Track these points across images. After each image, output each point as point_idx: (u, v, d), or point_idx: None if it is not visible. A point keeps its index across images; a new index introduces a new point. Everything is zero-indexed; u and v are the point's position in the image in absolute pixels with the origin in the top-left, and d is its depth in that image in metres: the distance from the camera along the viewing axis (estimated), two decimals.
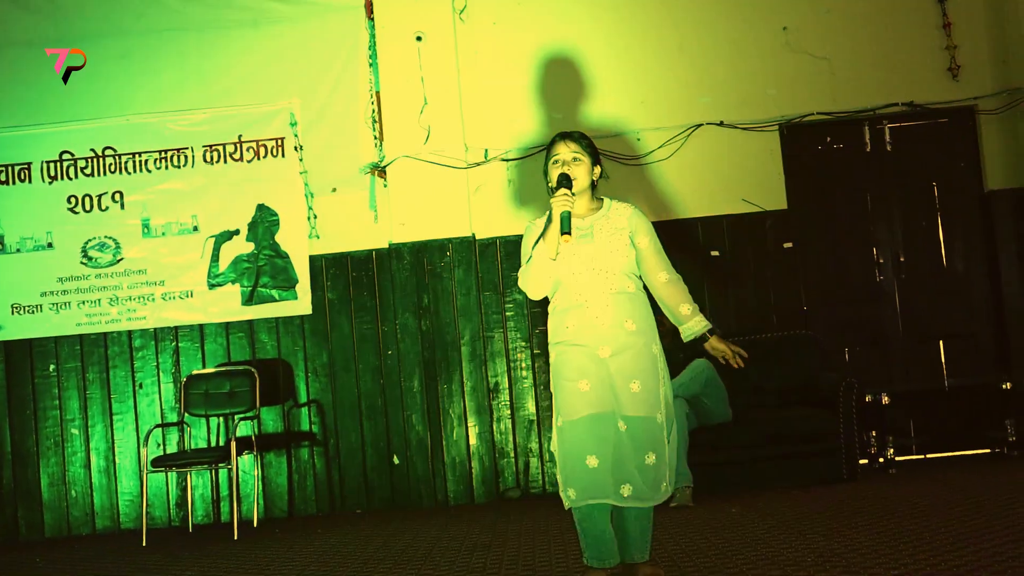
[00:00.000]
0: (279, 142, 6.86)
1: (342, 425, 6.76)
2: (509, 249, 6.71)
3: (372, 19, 6.82)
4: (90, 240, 6.83)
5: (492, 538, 5.04)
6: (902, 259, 6.94)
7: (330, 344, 6.80)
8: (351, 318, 6.81)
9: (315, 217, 6.84)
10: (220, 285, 6.81)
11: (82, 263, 6.82)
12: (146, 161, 6.87)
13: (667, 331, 3.91)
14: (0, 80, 6.90)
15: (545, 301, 3.74)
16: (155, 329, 6.82)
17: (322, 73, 6.88)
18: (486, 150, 6.84)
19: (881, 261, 6.96)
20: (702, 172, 6.83)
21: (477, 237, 6.77)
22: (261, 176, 6.84)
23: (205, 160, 6.87)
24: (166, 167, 6.87)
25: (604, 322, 3.57)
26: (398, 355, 6.68)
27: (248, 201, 6.84)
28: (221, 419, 6.63)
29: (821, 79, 6.88)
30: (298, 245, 6.82)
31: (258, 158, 6.87)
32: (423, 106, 6.70)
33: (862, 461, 6.24)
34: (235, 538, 5.87)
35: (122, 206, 6.86)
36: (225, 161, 6.87)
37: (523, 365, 6.75)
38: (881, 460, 6.31)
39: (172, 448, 6.74)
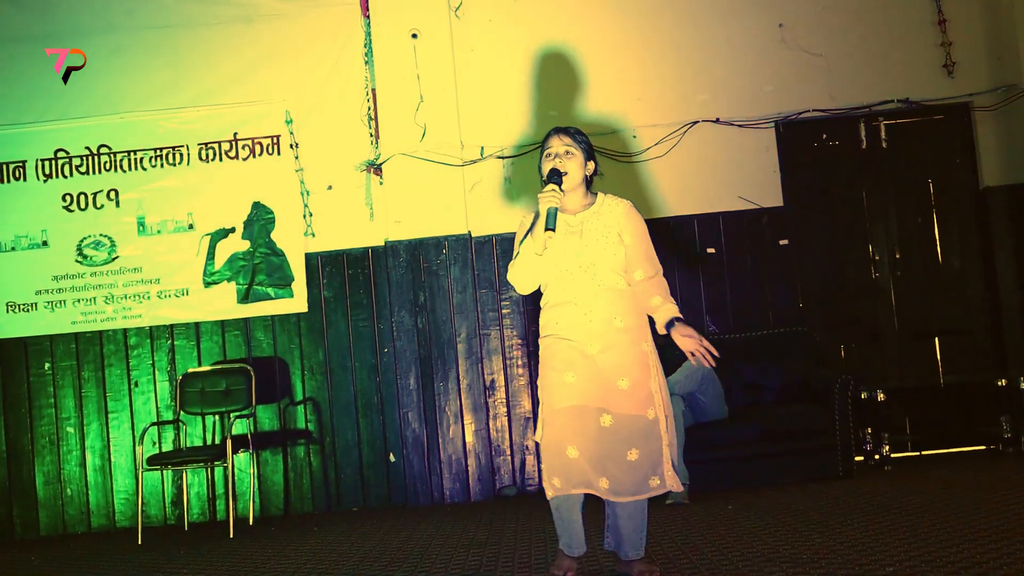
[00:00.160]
0: (274, 139, 6.85)
1: (338, 423, 6.76)
2: (505, 246, 6.71)
3: (368, 16, 6.81)
4: (85, 238, 6.82)
5: (488, 535, 5.03)
6: (898, 256, 6.95)
7: (326, 342, 6.80)
8: (347, 316, 6.81)
9: (311, 215, 6.84)
10: (216, 283, 6.81)
11: (77, 261, 6.81)
12: (141, 159, 6.86)
13: None
14: None
15: (539, 296, 3.75)
16: (151, 327, 6.81)
17: (317, 70, 6.88)
18: (482, 147, 6.83)
19: (877, 258, 6.96)
20: (698, 169, 6.83)
21: (473, 234, 6.76)
22: (256, 174, 6.83)
23: (200, 158, 6.86)
24: (161, 165, 6.86)
25: (593, 319, 3.57)
26: (394, 353, 6.68)
27: (243, 199, 6.84)
28: (217, 417, 6.61)
29: (817, 76, 6.88)
30: (294, 243, 6.82)
31: (253, 156, 6.86)
32: (419, 103, 6.69)
33: (858, 458, 6.24)
34: (231, 536, 5.87)
35: (117, 204, 6.85)
36: (220, 159, 6.86)
37: (519, 363, 6.74)
38: (877, 457, 6.32)
39: (168, 446, 6.74)
